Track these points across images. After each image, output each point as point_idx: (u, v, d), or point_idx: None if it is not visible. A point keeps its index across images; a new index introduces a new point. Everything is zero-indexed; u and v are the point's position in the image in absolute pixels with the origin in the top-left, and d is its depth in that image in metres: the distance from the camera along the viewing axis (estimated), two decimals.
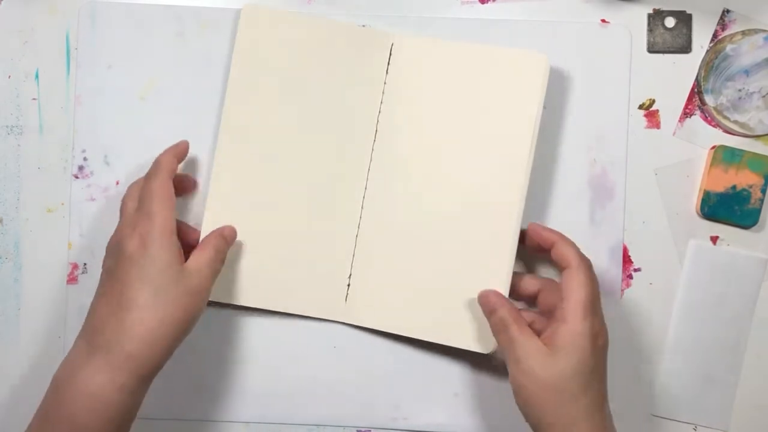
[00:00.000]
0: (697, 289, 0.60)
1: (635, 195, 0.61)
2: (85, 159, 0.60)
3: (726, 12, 0.61)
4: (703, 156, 0.61)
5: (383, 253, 0.58)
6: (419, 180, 0.58)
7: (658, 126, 0.61)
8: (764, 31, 0.60)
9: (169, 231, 0.52)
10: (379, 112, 0.59)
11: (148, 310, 0.50)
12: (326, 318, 0.60)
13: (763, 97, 0.60)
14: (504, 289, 0.56)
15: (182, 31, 0.60)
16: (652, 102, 0.61)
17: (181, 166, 0.58)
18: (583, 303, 0.51)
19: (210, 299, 0.57)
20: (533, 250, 0.57)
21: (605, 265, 0.60)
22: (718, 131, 0.61)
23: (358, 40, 0.58)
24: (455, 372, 0.60)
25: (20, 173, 0.61)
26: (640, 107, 0.61)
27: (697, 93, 0.61)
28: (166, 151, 0.56)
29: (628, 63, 0.61)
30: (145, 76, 0.60)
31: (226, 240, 0.56)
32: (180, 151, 0.57)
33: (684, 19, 0.61)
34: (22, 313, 0.60)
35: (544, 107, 0.60)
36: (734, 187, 0.59)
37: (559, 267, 0.54)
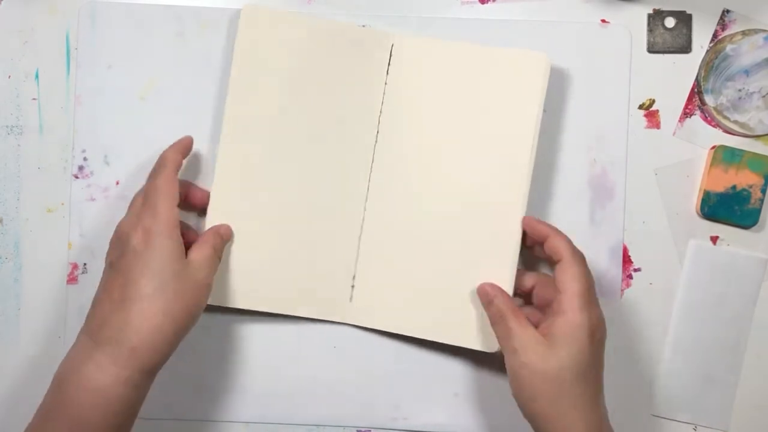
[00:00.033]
0: (697, 289, 0.60)
1: (635, 195, 0.61)
2: (85, 159, 0.60)
3: (726, 12, 0.61)
4: (703, 156, 0.61)
5: (387, 253, 0.58)
6: (421, 180, 0.58)
7: (658, 126, 0.61)
8: (764, 31, 0.60)
9: (173, 225, 0.52)
10: (380, 112, 0.59)
11: (153, 302, 0.50)
12: (332, 320, 0.60)
13: (763, 97, 0.60)
14: (508, 288, 0.56)
15: (182, 31, 0.60)
16: (652, 102, 0.61)
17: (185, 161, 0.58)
18: (580, 295, 0.52)
19: (216, 304, 0.57)
20: (531, 249, 0.58)
21: (605, 265, 0.60)
22: (718, 131, 0.61)
23: (358, 40, 0.58)
24: (455, 372, 0.60)
25: (20, 173, 0.61)
26: (640, 107, 0.61)
27: (697, 93, 0.61)
28: (171, 147, 0.56)
29: (628, 63, 0.61)
30: (145, 76, 0.60)
31: (223, 238, 0.56)
32: (184, 146, 0.57)
33: (684, 19, 0.61)
34: (22, 313, 0.60)
35: (545, 109, 0.60)
36: (734, 187, 0.59)
37: (553, 260, 0.54)
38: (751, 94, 0.60)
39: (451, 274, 0.58)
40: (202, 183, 0.60)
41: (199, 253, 0.53)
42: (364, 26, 0.60)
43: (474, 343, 0.57)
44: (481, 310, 0.56)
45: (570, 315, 0.51)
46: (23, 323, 0.60)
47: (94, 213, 0.60)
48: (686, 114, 0.61)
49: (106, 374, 0.49)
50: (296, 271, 0.58)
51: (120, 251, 0.52)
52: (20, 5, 0.61)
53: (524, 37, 0.60)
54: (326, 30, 0.58)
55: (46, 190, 0.60)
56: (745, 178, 0.59)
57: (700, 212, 0.60)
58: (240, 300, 0.58)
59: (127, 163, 0.60)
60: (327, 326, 0.60)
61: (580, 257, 0.53)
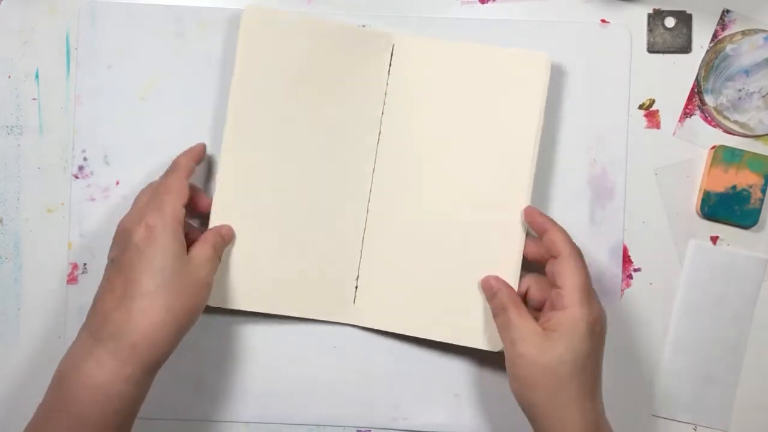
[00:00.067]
0: (697, 289, 0.60)
1: (635, 195, 0.61)
2: (85, 159, 0.60)
3: (726, 12, 0.61)
4: (703, 156, 0.61)
5: (390, 254, 0.58)
6: (424, 180, 0.58)
7: (658, 126, 0.61)
8: (764, 31, 0.60)
9: (176, 222, 0.52)
10: (382, 113, 0.59)
11: (155, 298, 0.50)
12: (336, 321, 0.60)
13: (763, 97, 0.60)
14: (513, 283, 0.56)
15: (182, 31, 0.60)
16: (652, 102, 0.61)
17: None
18: (579, 289, 0.52)
19: (219, 306, 0.57)
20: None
21: (605, 265, 0.60)
22: (718, 131, 0.61)
23: (359, 41, 0.58)
24: (455, 372, 0.60)
25: (20, 173, 0.61)
26: (640, 107, 0.61)
27: (697, 93, 0.61)
28: (184, 153, 0.57)
29: (628, 63, 0.61)
30: (145, 76, 0.60)
31: (224, 239, 0.56)
32: (197, 153, 0.57)
33: (684, 19, 0.61)
34: (22, 313, 0.60)
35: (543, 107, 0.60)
36: (734, 187, 0.59)
37: (550, 254, 0.54)
38: (751, 94, 0.60)
39: (455, 274, 0.58)
40: (201, 182, 0.60)
41: (200, 251, 0.53)
42: (364, 26, 0.60)
43: (478, 342, 0.57)
44: (486, 309, 0.56)
45: (569, 309, 0.51)
46: (23, 323, 0.60)
47: (94, 213, 0.60)
48: (686, 114, 0.61)
49: (106, 371, 0.49)
50: (299, 273, 0.58)
51: (122, 247, 0.52)
52: (20, 5, 0.61)
53: (524, 37, 0.60)
54: (327, 31, 0.58)
55: (46, 190, 0.60)
56: (745, 178, 0.59)
57: (700, 212, 0.60)
58: (244, 302, 0.58)
59: (127, 163, 0.60)
60: (327, 326, 0.60)
61: (578, 252, 0.54)
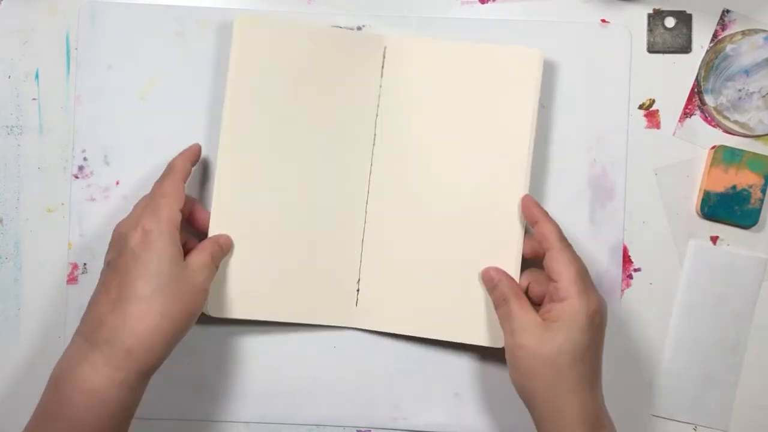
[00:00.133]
0: (697, 289, 0.60)
1: (635, 195, 0.61)
2: (85, 159, 0.60)
3: (726, 12, 0.61)
4: (703, 156, 0.61)
5: (390, 255, 0.59)
6: (421, 179, 0.58)
7: (658, 126, 0.61)
8: (764, 31, 0.60)
9: (173, 227, 0.52)
10: (377, 115, 0.59)
11: (150, 303, 0.50)
12: (339, 325, 0.60)
13: (763, 97, 0.60)
14: (514, 274, 0.57)
15: (182, 31, 0.60)
16: (652, 102, 0.61)
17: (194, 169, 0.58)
18: (575, 279, 0.52)
19: (222, 316, 0.57)
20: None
21: (605, 265, 0.60)
22: (718, 131, 0.61)
23: (351, 44, 0.58)
24: (455, 372, 0.60)
25: (20, 173, 0.61)
26: (640, 107, 0.61)
27: (697, 93, 0.61)
28: (180, 155, 0.56)
29: (628, 63, 0.61)
30: (145, 76, 0.60)
31: (222, 248, 0.56)
32: (193, 153, 0.57)
33: (684, 19, 0.61)
34: (22, 313, 0.60)
35: (544, 107, 0.60)
36: (734, 187, 0.59)
37: (542, 248, 0.54)
38: (751, 94, 0.60)
39: (456, 272, 0.58)
40: (197, 184, 0.60)
41: (198, 258, 0.53)
42: (363, 26, 0.60)
43: (480, 339, 0.57)
44: (487, 306, 0.57)
45: (568, 300, 0.51)
46: (23, 323, 0.60)
47: (94, 213, 0.60)
48: (686, 114, 0.61)
49: (101, 376, 0.49)
50: (301, 279, 0.58)
51: (118, 251, 0.52)
52: (20, 5, 0.61)
53: (524, 37, 0.60)
54: (319, 36, 0.58)
55: (46, 190, 0.60)
56: (745, 178, 0.59)
57: (700, 212, 0.60)
58: (245, 311, 0.57)
59: (127, 163, 0.60)
60: (327, 327, 0.60)
61: (567, 244, 0.54)
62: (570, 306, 0.51)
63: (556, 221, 0.55)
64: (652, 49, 0.61)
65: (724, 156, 0.59)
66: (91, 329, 0.50)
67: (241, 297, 0.57)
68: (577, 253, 0.54)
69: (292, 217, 0.58)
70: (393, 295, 0.59)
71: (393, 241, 0.59)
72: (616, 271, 0.61)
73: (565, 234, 0.55)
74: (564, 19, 0.61)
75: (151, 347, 0.50)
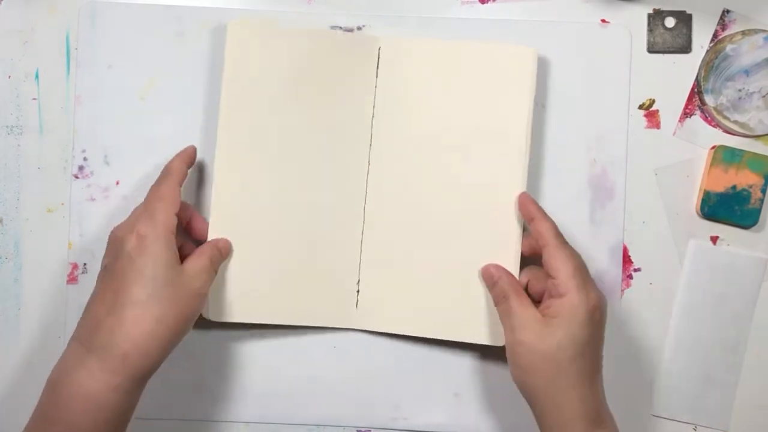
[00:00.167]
0: (697, 289, 0.60)
1: (635, 195, 0.61)
2: (85, 159, 0.60)
3: (726, 12, 0.61)
4: (703, 156, 0.61)
5: (389, 256, 0.59)
6: (419, 180, 0.58)
7: (658, 126, 0.61)
8: (764, 31, 0.60)
9: (169, 232, 0.52)
10: (373, 116, 0.59)
11: (146, 308, 0.50)
12: (340, 326, 0.60)
13: (763, 97, 0.60)
14: (513, 271, 0.57)
15: (182, 31, 0.60)
16: (652, 102, 0.61)
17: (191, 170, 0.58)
18: (573, 275, 0.52)
19: (222, 320, 0.57)
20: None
21: (605, 265, 0.60)
22: (718, 131, 0.61)
23: (345, 46, 0.58)
24: (455, 372, 0.60)
25: (20, 173, 0.61)
26: (640, 107, 0.61)
27: (697, 93, 0.61)
28: (176, 157, 0.56)
29: (628, 63, 0.61)
30: (145, 76, 0.60)
31: (221, 252, 0.56)
32: (189, 156, 0.57)
33: (684, 19, 0.61)
34: (22, 313, 0.60)
35: (544, 107, 0.60)
36: (734, 187, 0.59)
37: (539, 245, 0.55)
38: (751, 94, 0.60)
39: (455, 271, 0.58)
40: (194, 187, 0.60)
41: (195, 262, 0.53)
42: (363, 26, 0.60)
43: (481, 338, 0.57)
44: (487, 304, 0.57)
45: (567, 296, 0.52)
46: (23, 323, 0.60)
47: (94, 213, 0.60)
48: (686, 114, 0.61)
49: (96, 380, 0.49)
50: (301, 281, 0.58)
51: (114, 256, 0.52)
52: (20, 5, 0.61)
53: (524, 37, 0.60)
54: (312, 38, 0.58)
55: (46, 190, 0.60)
56: (745, 178, 0.59)
57: (700, 212, 0.60)
58: (245, 314, 0.57)
59: (127, 163, 0.60)
60: (327, 327, 0.60)
61: (563, 240, 0.54)
62: (569, 301, 0.51)
63: (556, 221, 0.55)
64: (652, 49, 0.61)
65: (724, 156, 0.59)
66: (87, 334, 0.50)
67: (240, 300, 0.57)
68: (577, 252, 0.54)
69: (290, 219, 0.58)
70: (393, 295, 0.59)
71: (392, 242, 0.59)
72: (616, 271, 0.61)
73: (565, 234, 0.55)
74: (564, 19, 0.61)
75: (147, 352, 0.50)
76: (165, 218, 0.52)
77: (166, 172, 0.55)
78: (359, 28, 0.60)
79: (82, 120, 0.60)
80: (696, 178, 0.61)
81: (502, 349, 0.54)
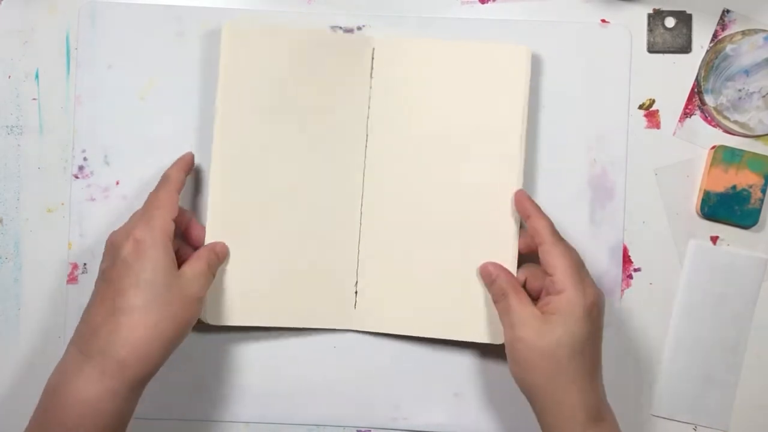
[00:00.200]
0: (697, 289, 0.60)
1: (635, 195, 0.61)
2: (85, 159, 0.60)
3: (726, 12, 0.61)
4: (703, 156, 0.61)
5: (387, 256, 0.59)
6: (415, 180, 0.58)
7: (658, 126, 0.61)
8: (764, 31, 0.60)
9: (166, 237, 0.52)
10: (368, 117, 0.59)
11: (143, 313, 0.50)
12: (339, 328, 0.60)
13: (763, 97, 0.60)
14: (511, 268, 0.57)
15: (182, 31, 0.60)
16: (652, 102, 0.61)
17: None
18: (570, 272, 0.52)
19: (221, 324, 0.57)
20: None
21: (605, 265, 0.60)
22: (718, 131, 0.61)
23: (339, 47, 0.58)
24: (455, 372, 0.60)
25: (20, 173, 0.61)
26: (640, 107, 0.61)
27: (697, 93, 0.61)
28: (174, 165, 0.56)
29: (628, 63, 0.61)
30: (145, 76, 0.60)
31: (218, 256, 0.56)
32: (186, 163, 0.57)
33: (684, 19, 0.61)
34: (22, 313, 0.60)
35: (544, 107, 0.60)
36: (734, 187, 0.59)
37: (535, 242, 0.55)
38: (751, 94, 0.60)
39: (453, 270, 0.58)
40: (191, 192, 0.60)
41: (193, 267, 0.53)
42: (363, 26, 0.60)
43: (480, 336, 0.58)
44: (486, 303, 0.57)
45: (565, 292, 0.52)
46: (23, 323, 0.60)
47: (94, 213, 0.60)
48: (686, 114, 0.61)
49: (94, 386, 0.49)
50: (299, 283, 0.58)
51: (111, 261, 0.52)
52: (20, 5, 0.61)
53: (524, 37, 0.60)
54: (307, 41, 0.58)
55: (46, 190, 0.60)
56: (745, 178, 0.59)
57: (700, 212, 0.60)
58: (244, 318, 0.57)
59: (127, 163, 0.60)
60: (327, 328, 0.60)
61: (559, 237, 0.54)
62: (567, 298, 0.51)
63: (556, 220, 0.55)
64: (652, 49, 0.61)
65: (724, 156, 0.59)
66: (84, 340, 0.50)
67: (239, 303, 0.57)
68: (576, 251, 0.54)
69: (287, 221, 0.58)
70: (391, 295, 0.59)
71: (389, 242, 0.59)
72: (616, 271, 0.61)
73: (565, 234, 0.55)
74: (564, 19, 0.61)
75: (145, 357, 0.50)
76: (162, 223, 0.52)
77: (165, 179, 0.55)
78: (359, 28, 0.60)
79: (82, 120, 0.60)
80: (696, 178, 0.61)
81: (502, 348, 0.54)
